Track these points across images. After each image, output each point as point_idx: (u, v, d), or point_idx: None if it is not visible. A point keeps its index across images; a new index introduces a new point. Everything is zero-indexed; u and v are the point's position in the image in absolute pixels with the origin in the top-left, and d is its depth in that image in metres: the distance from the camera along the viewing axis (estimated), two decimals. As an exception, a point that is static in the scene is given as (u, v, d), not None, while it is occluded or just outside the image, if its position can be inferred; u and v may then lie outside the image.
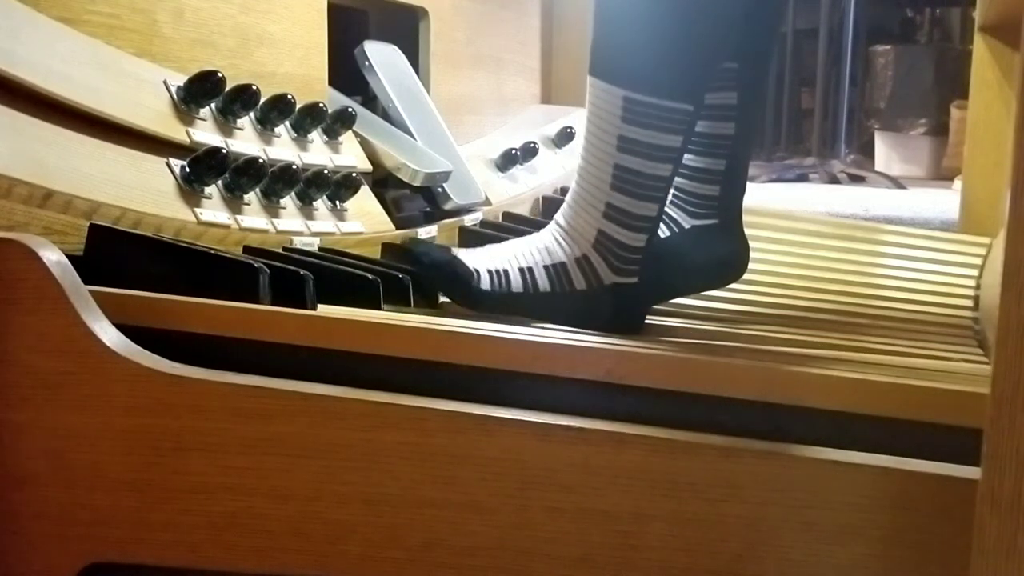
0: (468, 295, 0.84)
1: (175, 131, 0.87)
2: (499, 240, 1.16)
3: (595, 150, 0.82)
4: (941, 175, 3.04)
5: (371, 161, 1.13)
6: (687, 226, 0.92)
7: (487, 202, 1.30)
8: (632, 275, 0.83)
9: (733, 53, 0.87)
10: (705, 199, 0.91)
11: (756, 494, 0.59)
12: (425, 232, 1.12)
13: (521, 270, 0.85)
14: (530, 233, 1.19)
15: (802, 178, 2.87)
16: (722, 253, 0.92)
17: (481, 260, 0.86)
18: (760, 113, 1.10)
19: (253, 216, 0.89)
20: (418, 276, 0.87)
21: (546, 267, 0.84)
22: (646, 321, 0.86)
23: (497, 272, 0.85)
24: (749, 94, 0.89)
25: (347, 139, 1.10)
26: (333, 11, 1.12)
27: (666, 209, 0.91)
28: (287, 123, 1.01)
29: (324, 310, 0.73)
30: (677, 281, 0.91)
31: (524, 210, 1.41)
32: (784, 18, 1.65)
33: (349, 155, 1.09)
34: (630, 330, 0.84)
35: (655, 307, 0.91)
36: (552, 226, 0.87)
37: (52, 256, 0.62)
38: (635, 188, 0.81)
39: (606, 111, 0.80)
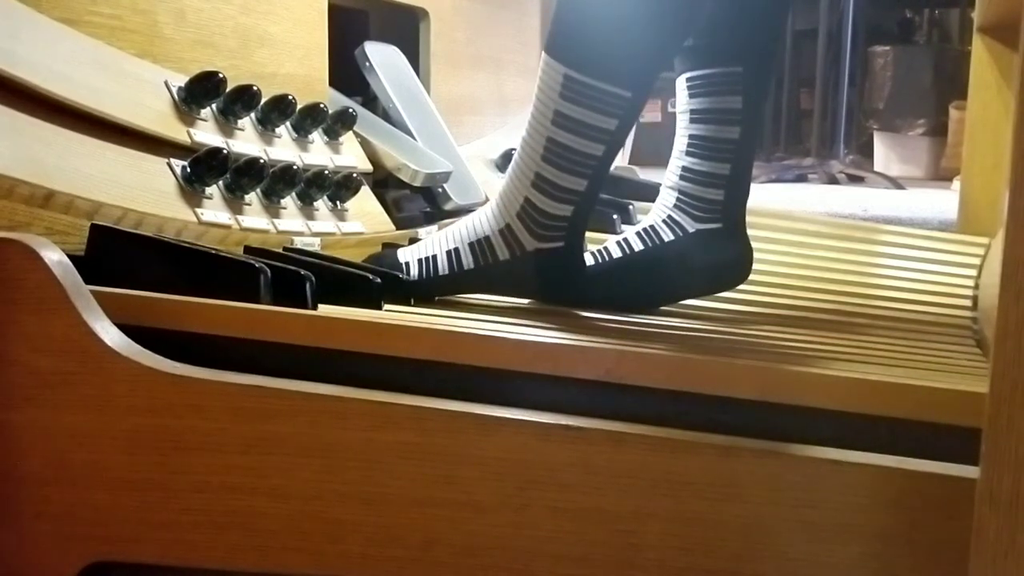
0: (398, 289, 0.86)
1: (176, 131, 0.87)
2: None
3: (534, 122, 0.83)
4: (940, 175, 3.04)
5: (371, 161, 1.13)
6: (691, 230, 0.92)
7: (487, 202, 1.30)
8: (555, 240, 0.85)
9: (737, 56, 0.87)
10: (709, 203, 0.92)
11: (756, 494, 0.59)
12: (425, 232, 1.12)
13: (448, 252, 0.87)
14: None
15: (801, 178, 2.87)
16: (726, 257, 0.93)
17: (414, 252, 0.89)
18: (762, 116, 1.11)
19: (254, 216, 0.90)
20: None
21: (470, 244, 0.87)
22: (646, 321, 0.85)
23: (425, 260, 0.88)
24: (753, 98, 0.90)
25: (347, 139, 1.10)
26: (333, 12, 1.13)
27: (670, 213, 0.93)
28: (288, 123, 1.02)
29: (324, 310, 0.73)
30: (681, 284, 0.92)
31: (524, 210, 1.41)
32: (786, 20, 1.65)
33: (349, 155, 1.09)
34: (561, 295, 0.86)
35: (658, 308, 0.91)
36: (489, 201, 0.89)
37: (54, 256, 0.62)
38: (563, 161, 0.82)
39: (548, 86, 0.82)
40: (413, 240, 1.09)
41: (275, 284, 0.72)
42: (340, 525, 0.63)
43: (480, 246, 0.86)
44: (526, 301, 0.90)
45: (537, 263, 0.85)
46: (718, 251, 0.92)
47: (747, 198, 0.94)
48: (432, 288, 0.88)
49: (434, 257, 0.88)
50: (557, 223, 0.84)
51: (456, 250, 0.87)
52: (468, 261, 0.86)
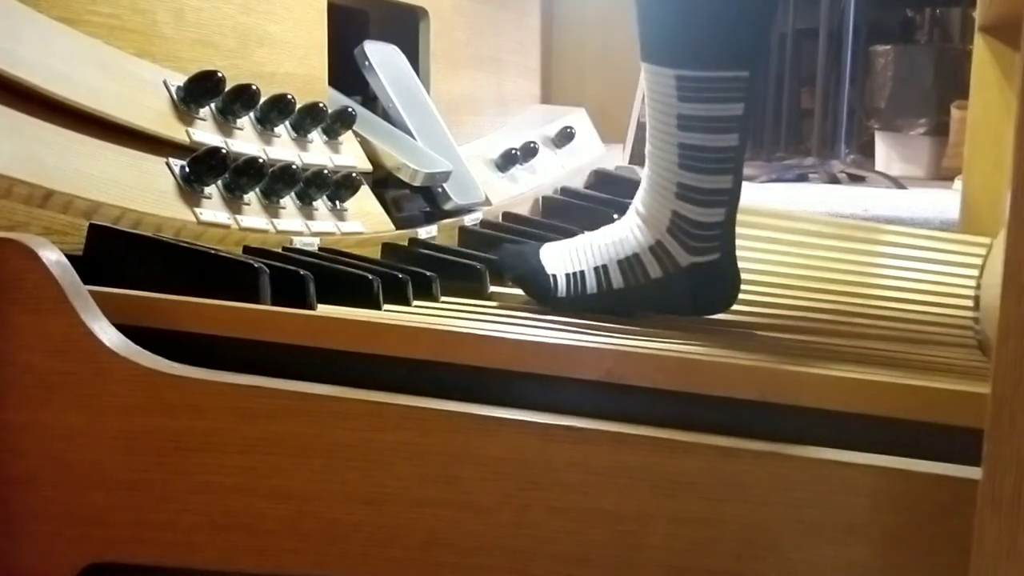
0: (546, 303, 0.86)
1: (175, 131, 0.87)
2: (498, 240, 1.16)
3: (659, 133, 0.81)
4: (941, 175, 3.04)
5: (371, 161, 1.13)
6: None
7: (487, 202, 1.30)
8: (711, 252, 0.82)
9: (746, 61, 0.82)
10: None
11: (756, 494, 0.59)
12: (425, 232, 1.12)
13: (596, 269, 0.85)
14: (530, 233, 1.20)
15: (802, 178, 2.87)
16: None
17: (561, 262, 0.87)
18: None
19: (253, 216, 0.89)
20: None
21: (619, 261, 0.84)
22: (646, 321, 0.85)
23: (573, 275, 0.86)
24: (753, 105, 0.87)
25: (347, 139, 1.10)
26: (333, 11, 1.12)
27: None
28: (287, 123, 1.01)
29: (324, 310, 0.73)
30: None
31: (524, 210, 1.41)
32: (776, 21, 1.65)
33: (349, 155, 1.09)
34: (717, 308, 0.84)
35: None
36: (630, 213, 0.86)
37: (52, 256, 0.62)
38: (702, 163, 0.79)
39: (662, 93, 0.79)
40: (414, 240, 1.09)
41: (274, 284, 0.72)
42: (340, 525, 0.63)
43: (630, 263, 0.84)
44: (524, 300, 0.90)
45: (692, 279, 0.82)
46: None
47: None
48: (579, 306, 0.85)
49: (581, 273, 0.86)
50: (710, 231, 0.82)
51: (605, 267, 0.85)
52: (618, 280, 0.84)
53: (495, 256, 0.96)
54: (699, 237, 0.82)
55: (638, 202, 0.85)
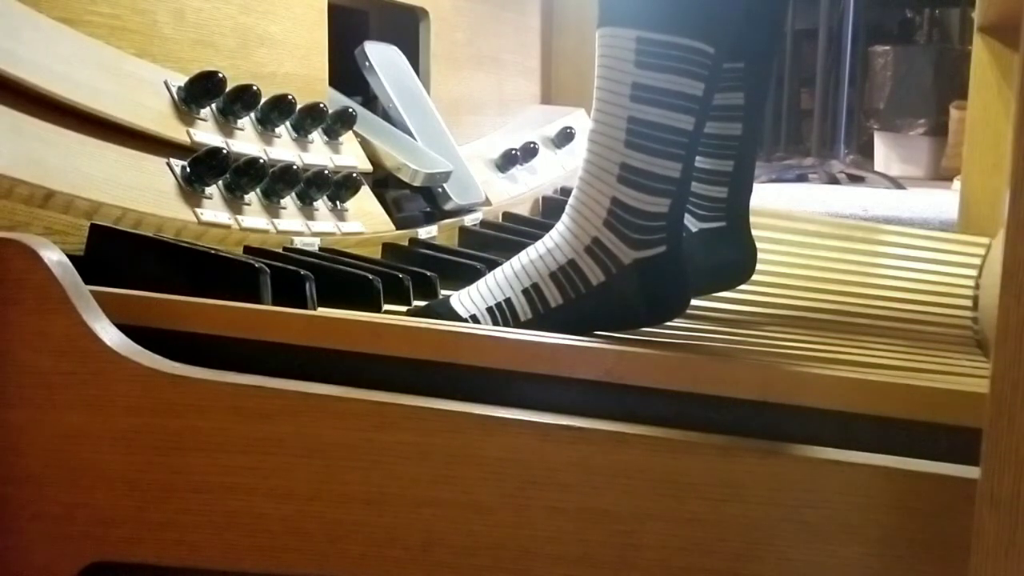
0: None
1: (176, 131, 0.87)
2: (498, 240, 1.17)
3: (606, 106, 0.72)
4: (940, 175, 3.04)
5: (371, 161, 1.13)
6: (694, 229, 0.91)
7: (487, 202, 1.31)
8: (656, 245, 0.71)
9: (739, 52, 0.86)
10: (713, 201, 0.91)
11: (756, 494, 0.59)
12: (425, 232, 1.12)
13: (526, 291, 0.74)
14: (531, 233, 1.20)
15: (801, 178, 2.87)
16: (730, 256, 0.92)
17: (478, 300, 0.76)
18: (764, 114, 1.08)
19: (254, 216, 0.90)
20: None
21: (551, 275, 0.73)
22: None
23: (497, 306, 0.74)
24: (754, 94, 0.89)
25: (347, 139, 1.10)
26: (333, 11, 1.13)
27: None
28: (287, 123, 1.02)
29: (325, 310, 0.73)
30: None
31: (524, 210, 1.41)
32: (787, 17, 1.64)
33: (349, 155, 1.09)
34: (673, 309, 0.74)
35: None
36: (560, 221, 0.76)
37: (53, 256, 0.62)
38: (653, 143, 0.70)
39: (617, 58, 0.71)
40: (414, 240, 1.09)
41: (275, 284, 0.72)
42: (340, 525, 0.63)
43: (565, 273, 0.73)
44: None
45: (639, 277, 0.71)
46: (722, 250, 0.91)
47: (750, 195, 0.93)
48: None
49: (507, 301, 0.74)
50: (655, 222, 0.71)
51: (535, 286, 0.73)
52: (554, 296, 0.73)
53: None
54: (641, 228, 0.71)
55: (571, 198, 0.75)
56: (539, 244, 0.76)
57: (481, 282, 0.77)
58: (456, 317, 0.75)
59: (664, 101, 0.70)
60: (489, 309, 0.75)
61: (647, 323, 0.75)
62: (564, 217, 0.75)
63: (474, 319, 0.74)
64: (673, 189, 0.71)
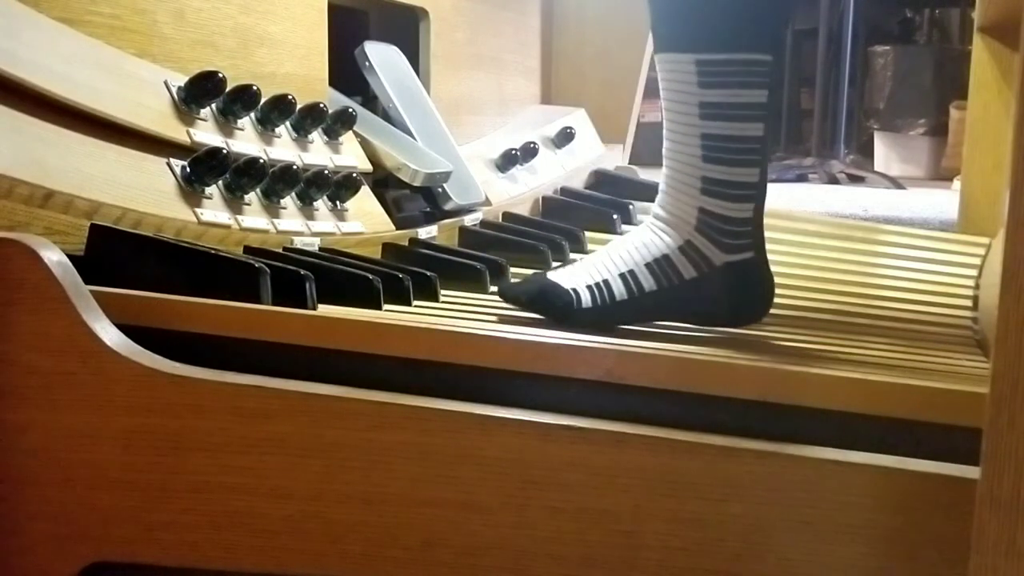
0: (570, 319, 0.79)
1: (176, 131, 0.87)
2: (499, 240, 1.17)
3: (678, 127, 0.76)
4: (940, 175, 3.04)
5: (371, 161, 1.13)
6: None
7: (487, 202, 1.31)
8: (745, 250, 0.78)
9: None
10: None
11: (756, 494, 0.59)
12: (425, 232, 1.12)
13: (622, 275, 0.79)
14: (531, 233, 1.21)
15: (801, 178, 2.87)
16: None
17: (576, 278, 0.81)
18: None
19: (254, 216, 0.90)
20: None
21: (647, 264, 0.79)
22: (647, 323, 0.84)
23: (597, 285, 0.80)
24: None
25: (347, 139, 1.10)
26: (333, 11, 1.13)
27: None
28: (287, 123, 1.02)
29: (324, 310, 0.73)
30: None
31: (524, 210, 1.41)
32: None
33: (349, 155, 1.09)
34: (755, 315, 0.79)
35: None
36: (648, 220, 0.82)
37: (53, 256, 0.62)
38: (729, 155, 0.75)
39: (680, 82, 0.75)
40: (414, 240, 1.09)
41: (275, 284, 0.72)
42: (340, 525, 0.63)
43: (660, 265, 0.78)
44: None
45: (728, 279, 0.77)
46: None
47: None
48: (613, 315, 0.79)
49: (605, 282, 0.79)
50: (742, 228, 0.77)
51: (632, 272, 0.79)
52: (649, 283, 0.78)
53: (498, 294, 0.88)
54: (731, 234, 0.77)
55: (657, 207, 0.81)
56: (630, 238, 0.82)
57: (574, 266, 0.84)
58: (559, 288, 0.80)
59: (733, 114, 0.75)
60: (588, 287, 0.80)
61: (729, 324, 0.80)
62: (654, 221, 0.81)
63: (575, 292, 0.80)
64: (754, 193, 0.77)
